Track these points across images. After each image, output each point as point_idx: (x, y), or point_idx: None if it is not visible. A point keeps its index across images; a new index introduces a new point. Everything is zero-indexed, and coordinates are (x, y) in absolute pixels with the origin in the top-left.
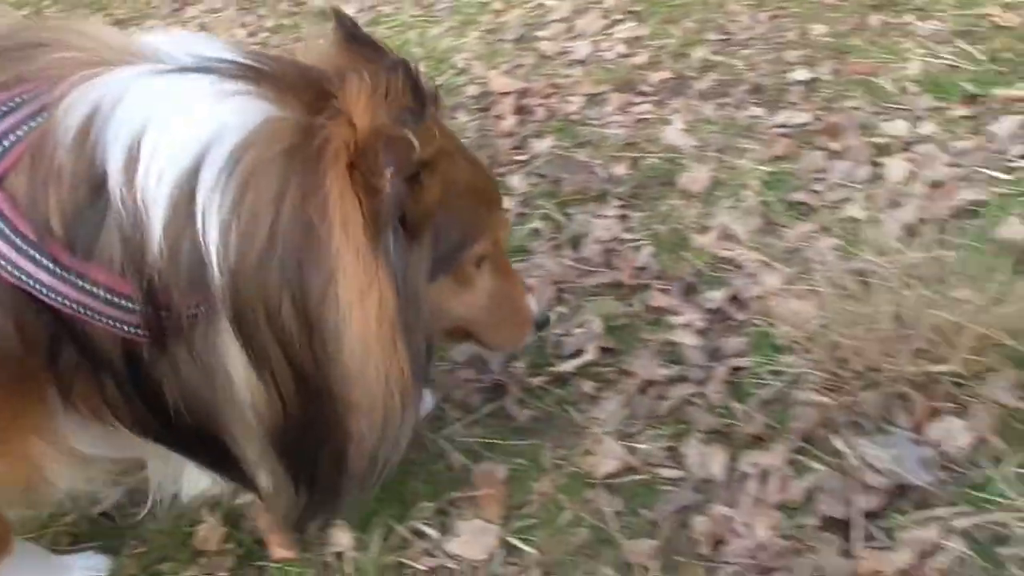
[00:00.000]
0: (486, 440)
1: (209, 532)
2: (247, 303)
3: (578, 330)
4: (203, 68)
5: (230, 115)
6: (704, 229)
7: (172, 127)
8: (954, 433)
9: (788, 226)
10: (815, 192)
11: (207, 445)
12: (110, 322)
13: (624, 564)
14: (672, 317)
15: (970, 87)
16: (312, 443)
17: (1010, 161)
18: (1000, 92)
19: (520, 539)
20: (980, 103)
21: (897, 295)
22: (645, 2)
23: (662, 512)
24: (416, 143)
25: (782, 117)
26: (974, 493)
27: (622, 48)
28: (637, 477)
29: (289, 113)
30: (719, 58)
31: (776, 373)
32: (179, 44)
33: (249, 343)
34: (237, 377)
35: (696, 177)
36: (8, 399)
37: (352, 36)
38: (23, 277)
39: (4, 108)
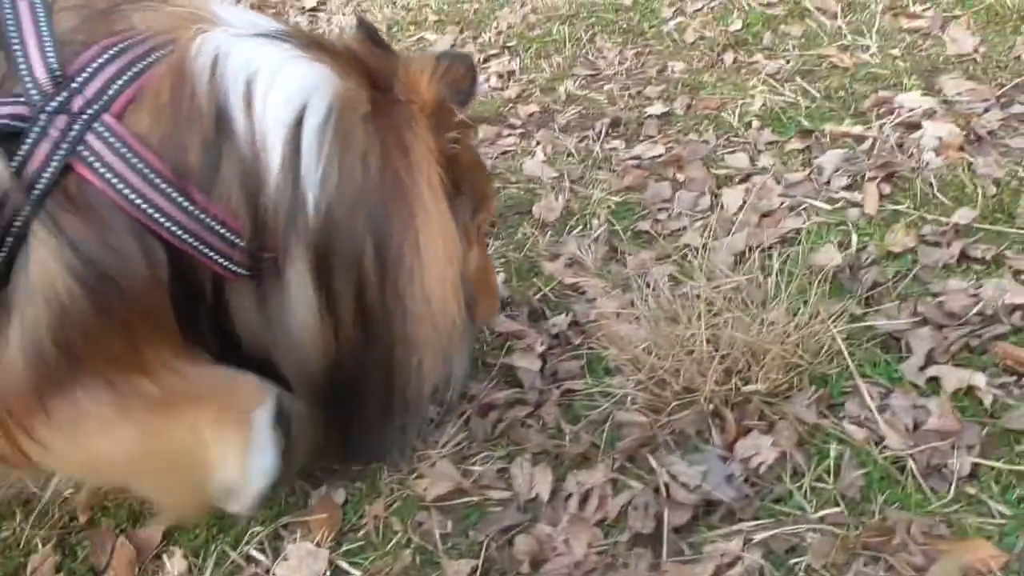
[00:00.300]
0: (327, 466)
1: (40, 562)
2: (333, 248)
3: None
4: (278, 36)
5: (315, 77)
6: (554, 256)
7: (276, 79)
8: (761, 449)
9: (631, 253)
10: (658, 221)
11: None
12: (217, 257)
13: None
14: (517, 342)
15: (805, 122)
16: (360, 386)
17: (833, 192)
18: (830, 127)
19: (348, 562)
20: (812, 138)
21: (716, 318)
22: (520, 38)
23: (488, 532)
24: (461, 116)
25: (638, 149)
26: (775, 506)
27: (495, 82)
28: (468, 499)
29: (354, 84)
30: (584, 92)
31: (605, 395)
32: (241, 16)
33: (326, 287)
34: (298, 320)
35: (551, 206)
36: (150, 332)
37: (372, 40)
38: (157, 215)
39: (109, 53)
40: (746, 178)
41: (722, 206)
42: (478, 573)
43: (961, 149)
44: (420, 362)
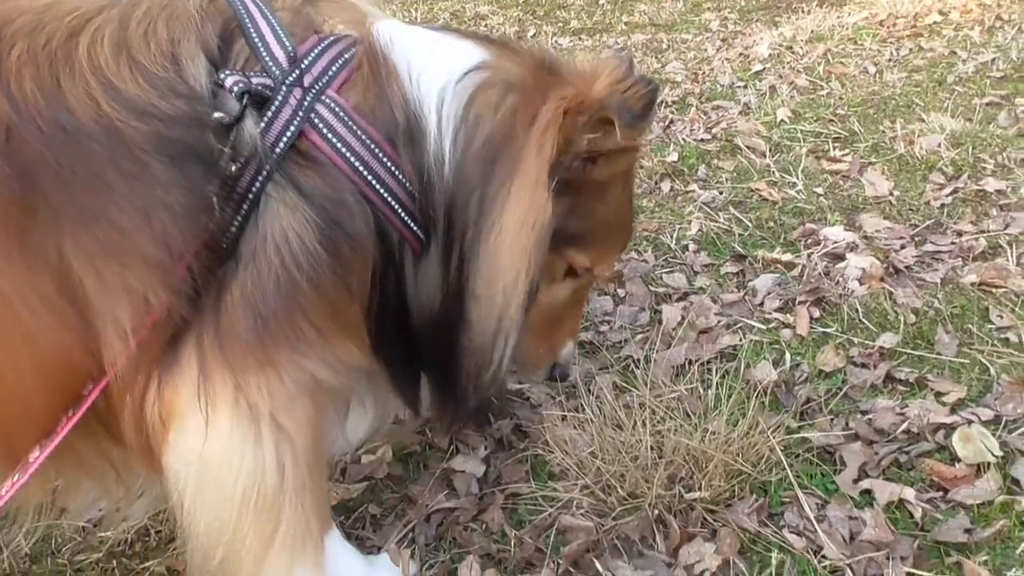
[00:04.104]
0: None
1: None
2: (454, 199)
3: (368, 456)
4: (438, 28)
5: (471, 51)
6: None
7: (435, 52)
8: (704, 556)
9: (575, 363)
10: (600, 332)
11: (413, 354)
12: (408, 219)
13: None
14: (461, 445)
15: (738, 248)
16: (442, 337)
17: (766, 313)
18: (761, 254)
19: None
20: (746, 262)
21: (659, 426)
22: None
23: None
24: (619, 135)
25: None
26: None
27: None
28: None
29: (509, 61)
30: None
31: (550, 499)
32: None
33: (444, 236)
34: (425, 278)
35: None
36: (359, 290)
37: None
38: (371, 179)
39: (326, 42)
40: (684, 296)
41: (661, 321)
42: None
43: (882, 280)
44: (477, 313)
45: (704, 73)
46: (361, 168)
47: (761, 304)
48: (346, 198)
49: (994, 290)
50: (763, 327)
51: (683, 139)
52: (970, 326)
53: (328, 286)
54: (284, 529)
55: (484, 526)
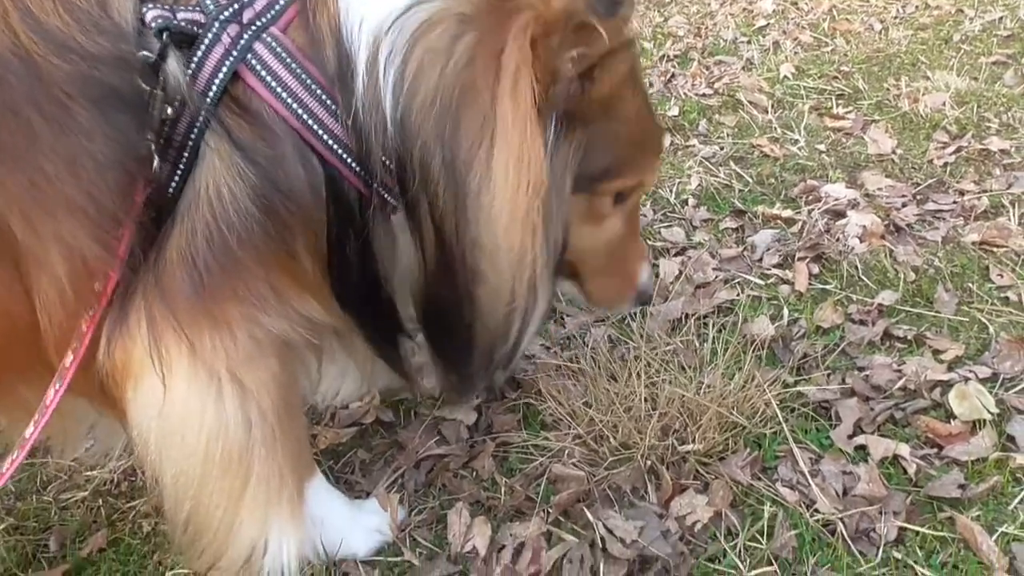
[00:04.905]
0: None
1: None
2: (406, 153)
3: (356, 402)
4: None
5: None
6: None
7: None
8: (696, 508)
9: (571, 315)
10: None
11: (384, 315)
12: (360, 171)
13: None
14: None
15: (738, 203)
16: (446, 313)
17: (765, 269)
18: (761, 209)
19: None
20: (745, 218)
21: (654, 378)
22: None
23: None
24: (605, 36)
25: None
26: (709, 565)
27: None
28: (400, 549)
29: None
30: None
31: (541, 448)
32: None
33: (404, 197)
34: (403, 241)
35: None
36: (307, 247)
37: None
38: (315, 125)
39: None
40: (682, 251)
41: (659, 275)
42: None
43: (882, 238)
44: (484, 296)
45: (707, 28)
46: (305, 116)
47: (760, 260)
48: (284, 151)
49: (995, 249)
50: (761, 283)
51: (684, 94)
52: (970, 285)
53: (267, 247)
54: (255, 483)
55: (474, 473)
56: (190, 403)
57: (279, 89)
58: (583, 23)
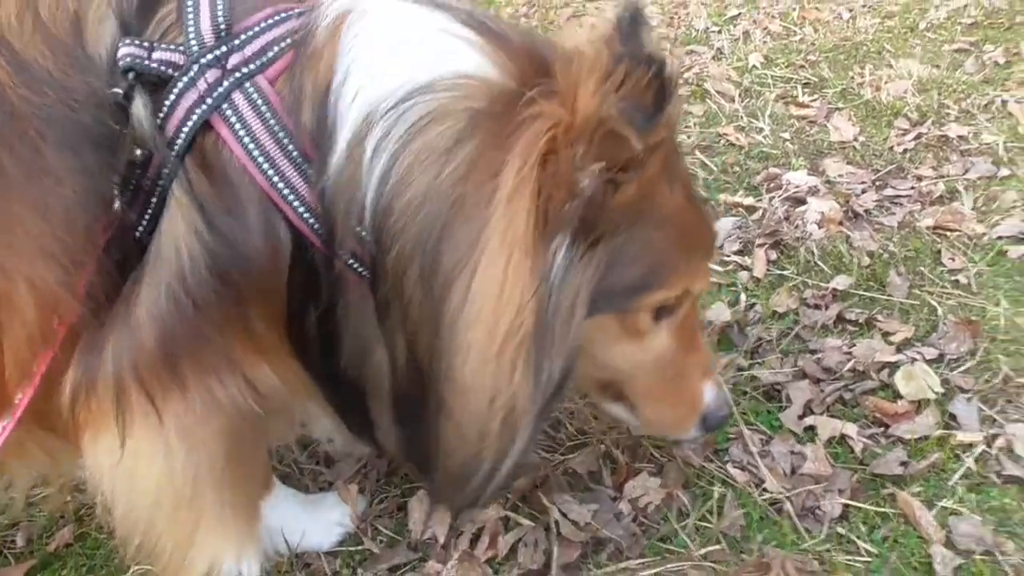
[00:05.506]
0: None
1: None
2: (380, 255)
3: None
4: (438, 6)
5: (441, 56)
6: None
7: (386, 52)
8: (649, 490)
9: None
10: None
11: (354, 401)
12: (326, 239)
13: None
14: None
15: (703, 192)
16: (417, 418)
17: (725, 255)
18: (724, 197)
19: None
20: (709, 205)
21: None
22: None
23: (376, 571)
24: (637, 145)
25: None
26: (661, 545)
27: None
28: (361, 538)
29: (499, 76)
30: None
31: None
32: None
33: (375, 291)
34: (364, 331)
35: None
36: (264, 315)
37: (632, 19)
38: (283, 187)
39: (279, 16)
40: None
41: None
42: None
43: (840, 224)
44: (450, 430)
45: (680, 17)
46: (274, 176)
47: (720, 247)
48: (246, 212)
49: (948, 234)
50: (720, 269)
51: None
52: (922, 268)
53: (221, 315)
54: (205, 524)
55: None
56: (140, 456)
57: (250, 144)
58: (613, 132)
